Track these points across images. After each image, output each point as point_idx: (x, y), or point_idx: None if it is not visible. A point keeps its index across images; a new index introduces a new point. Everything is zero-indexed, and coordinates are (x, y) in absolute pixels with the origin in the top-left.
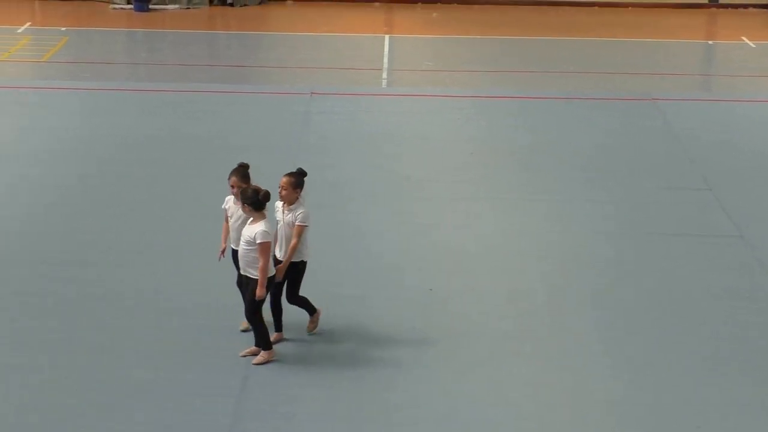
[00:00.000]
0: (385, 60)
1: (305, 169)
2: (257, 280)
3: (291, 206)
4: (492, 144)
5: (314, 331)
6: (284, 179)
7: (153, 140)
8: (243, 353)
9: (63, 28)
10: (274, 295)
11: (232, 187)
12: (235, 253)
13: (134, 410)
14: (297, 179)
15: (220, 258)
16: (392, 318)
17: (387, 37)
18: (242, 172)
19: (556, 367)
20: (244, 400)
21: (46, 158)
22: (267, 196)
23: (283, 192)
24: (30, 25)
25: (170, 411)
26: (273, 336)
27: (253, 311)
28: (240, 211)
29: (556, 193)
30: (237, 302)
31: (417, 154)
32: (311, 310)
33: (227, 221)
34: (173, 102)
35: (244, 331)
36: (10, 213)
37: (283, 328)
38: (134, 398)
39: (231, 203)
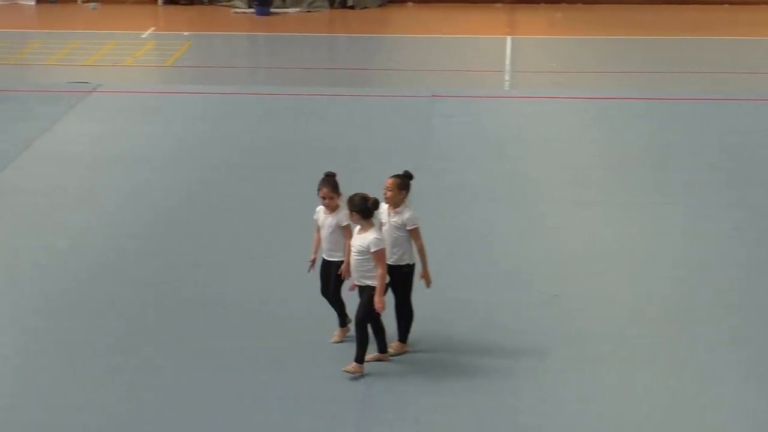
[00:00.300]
0: (508, 62)
1: (428, 172)
2: (373, 287)
3: (397, 209)
4: (617, 146)
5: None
6: (389, 180)
7: (273, 144)
8: (368, 358)
9: (186, 33)
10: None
11: (323, 198)
12: (326, 264)
13: (251, 413)
14: (403, 181)
15: (309, 269)
16: (516, 323)
17: (509, 38)
18: (331, 182)
19: (689, 377)
20: (367, 407)
21: (169, 162)
22: (376, 204)
23: (389, 194)
24: (154, 30)
25: (295, 415)
26: (398, 346)
27: (364, 317)
28: (330, 221)
29: (685, 197)
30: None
31: (540, 157)
32: (405, 334)
33: (318, 232)
34: (294, 106)
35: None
36: (133, 216)
37: (409, 338)
38: (252, 401)
39: (321, 213)
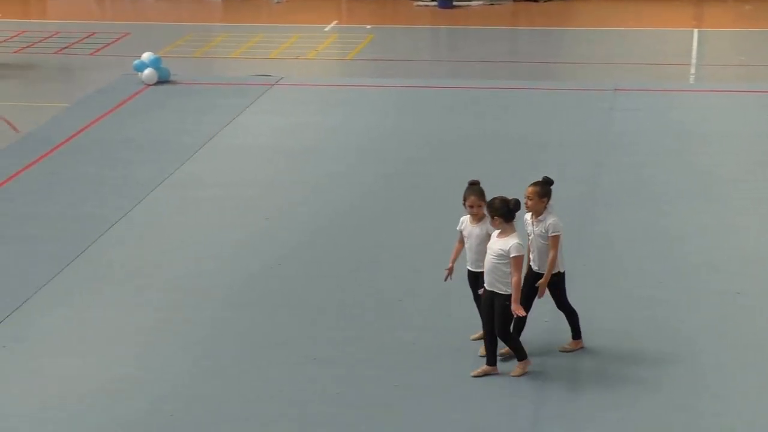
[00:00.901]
0: (694, 55)
1: (609, 167)
2: (506, 295)
3: (539, 217)
4: None
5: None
6: (530, 189)
7: (455, 138)
8: (476, 372)
9: (368, 26)
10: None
11: (471, 207)
12: (472, 275)
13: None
14: (543, 188)
15: (446, 278)
16: (695, 321)
17: (696, 31)
18: (478, 190)
19: None
20: (541, 405)
21: (351, 156)
22: (518, 206)
23: (530, 202)
24: (336, 24)
25: (472, 412)
26: (570, 343)
27: (504, 328)
28: (477, 231)
29: None
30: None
31: (725, 152)
32: (575, 331)
33: (461, 242)
34: (475, 99)
35: (476, 339)
36: (315, 210)
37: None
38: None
39: (467, 223)
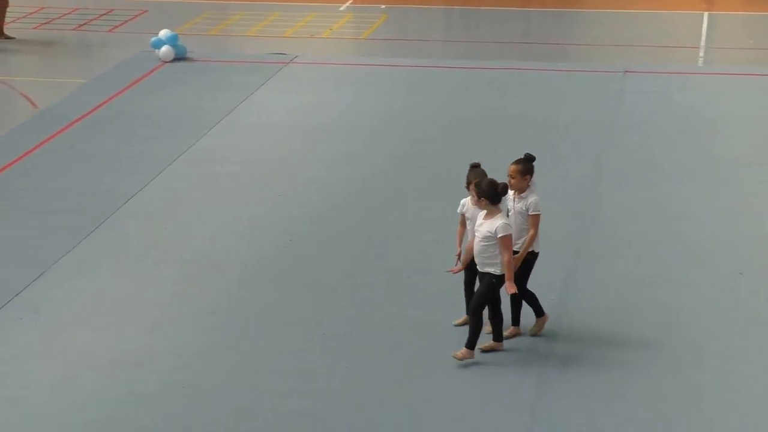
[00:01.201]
0: (703, 38)
1: (616, 147)
2: (494, 275)
3: (522, 194)
4: None
5: (538, 333)
6: (512, 167)
7: (466, 118)
8: (483, 347)
9: (382, 6)
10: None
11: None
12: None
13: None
14: (525, 166)
15: (456, 263)
16: (699, 302)
17: (706, 14)
18: (480, 172)
19: None
20: (546, 380)
21: (364, 134)
22: (506, 190)
23: (512, 180)
24: (351, 3)
25: (480, 388)
26: (509, 330)
27: (482, 304)
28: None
29: None
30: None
31: (732, 135)
32: (538, 311)
33: (463, 225)
34: (488, 80)
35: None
36: (329, 187)
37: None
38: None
39: (468, 205)
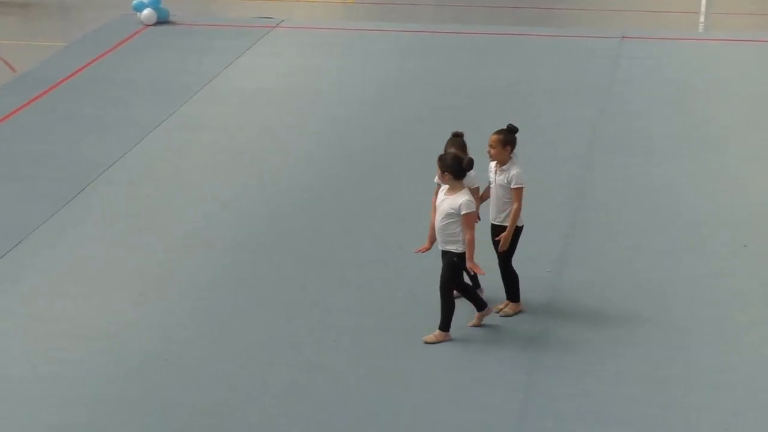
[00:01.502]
0: (703, 2)
1: (610, 115)
2: (454, 253)
3: (503, 166)
4: None
5: (478, 325)
6: (493, 137)
7: (459, 84)
8: (471, 323)
9: None
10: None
11: None
12: None
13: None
14: (506, 136)
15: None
16: (693, 275)
17: None
18: (459, 142)
19: None
20: (540, 355)
21: (354, 101)
22: (470, 165)
23: (492, 151)
24: None
25: (471, 363)
26: (510, 306)
27: (449, 283)
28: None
29: None
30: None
31: (730, 105)
32: (513, 296)
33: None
34: (480, 45)
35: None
36: (318, 156)
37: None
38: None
39: None
